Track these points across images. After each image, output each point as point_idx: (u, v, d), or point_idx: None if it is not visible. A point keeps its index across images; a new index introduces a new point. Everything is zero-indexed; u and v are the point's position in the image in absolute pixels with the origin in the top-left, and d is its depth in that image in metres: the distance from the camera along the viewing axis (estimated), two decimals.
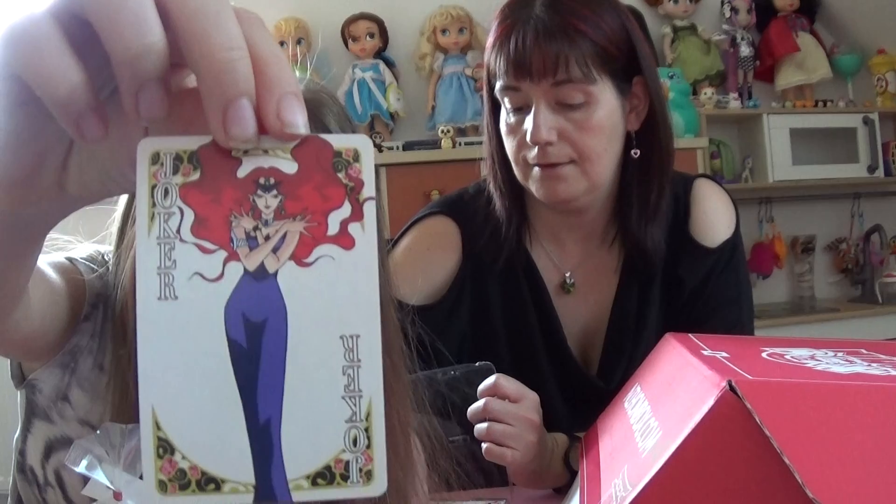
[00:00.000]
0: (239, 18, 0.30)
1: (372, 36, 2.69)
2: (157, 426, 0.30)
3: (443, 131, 2.51)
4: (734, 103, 2.78)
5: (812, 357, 0.60)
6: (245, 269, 0.30)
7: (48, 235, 0.42)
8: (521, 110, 0.96)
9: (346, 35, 2.71)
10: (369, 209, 0.31)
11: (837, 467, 0.42)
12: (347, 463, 0.30)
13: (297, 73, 0.88)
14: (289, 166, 0.31)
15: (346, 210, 0.31)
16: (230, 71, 0.29)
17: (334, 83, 2.72)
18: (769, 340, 0.73)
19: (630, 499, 0.50)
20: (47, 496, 0.78)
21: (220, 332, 0.30)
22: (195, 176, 0.30)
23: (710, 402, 0.47)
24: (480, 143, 1.07)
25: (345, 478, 0.30)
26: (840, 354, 0.62)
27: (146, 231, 0.30)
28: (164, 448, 0.30)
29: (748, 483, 0.45)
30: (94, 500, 0.57)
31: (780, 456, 0.42)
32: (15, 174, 0.33)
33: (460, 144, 2.47)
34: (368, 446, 0.31)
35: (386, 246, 0.96)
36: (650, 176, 0.99)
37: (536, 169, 0.95)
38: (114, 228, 0.71)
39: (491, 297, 1.04)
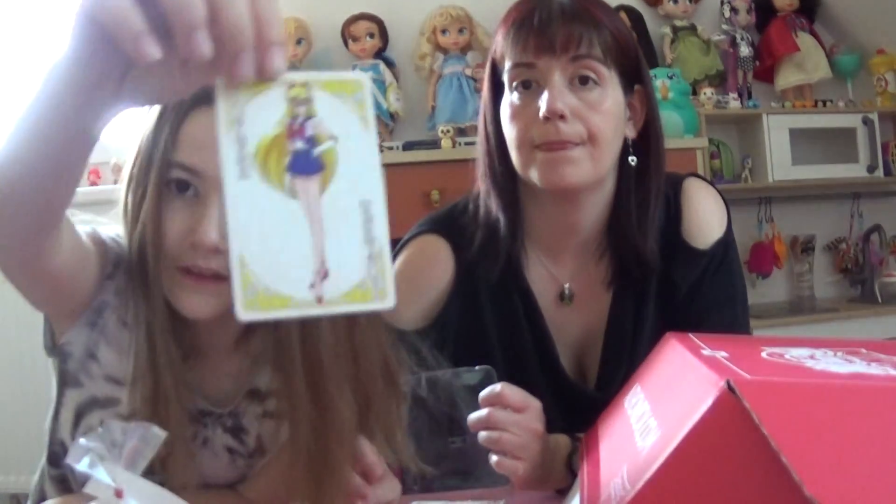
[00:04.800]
0: None
1: (372, 36, 2.69)
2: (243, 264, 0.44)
3: (443, 131, 2.51)
4: (734, 103, 2.78)
5: (811, 357, 0.60)
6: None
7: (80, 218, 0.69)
8: (529, 89, 0.96)
9: (346, 35, 2.71)
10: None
11: (835, 467, 0.42)
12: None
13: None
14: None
15: None
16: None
17: None
18: (769, 340, 0.73)
19: (629, 498, 0.50)
20: None
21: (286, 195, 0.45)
22: None
23: (709, 401, 0.47)
24: None
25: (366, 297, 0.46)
26: (840, 354, 0.61)
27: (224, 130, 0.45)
28: (247, 280, 0.44)
29: (746, 482, 0.45)
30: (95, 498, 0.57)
31: (778, 455, 0.42)
32: (84, 82, 0.48)
33: (460, 144, 2.47)
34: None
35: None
36: (647, 184, 1.00)
37: (542, 153, 0.94)
38: (119, 210, 0.83)
39: (484, 312, 1.03)
